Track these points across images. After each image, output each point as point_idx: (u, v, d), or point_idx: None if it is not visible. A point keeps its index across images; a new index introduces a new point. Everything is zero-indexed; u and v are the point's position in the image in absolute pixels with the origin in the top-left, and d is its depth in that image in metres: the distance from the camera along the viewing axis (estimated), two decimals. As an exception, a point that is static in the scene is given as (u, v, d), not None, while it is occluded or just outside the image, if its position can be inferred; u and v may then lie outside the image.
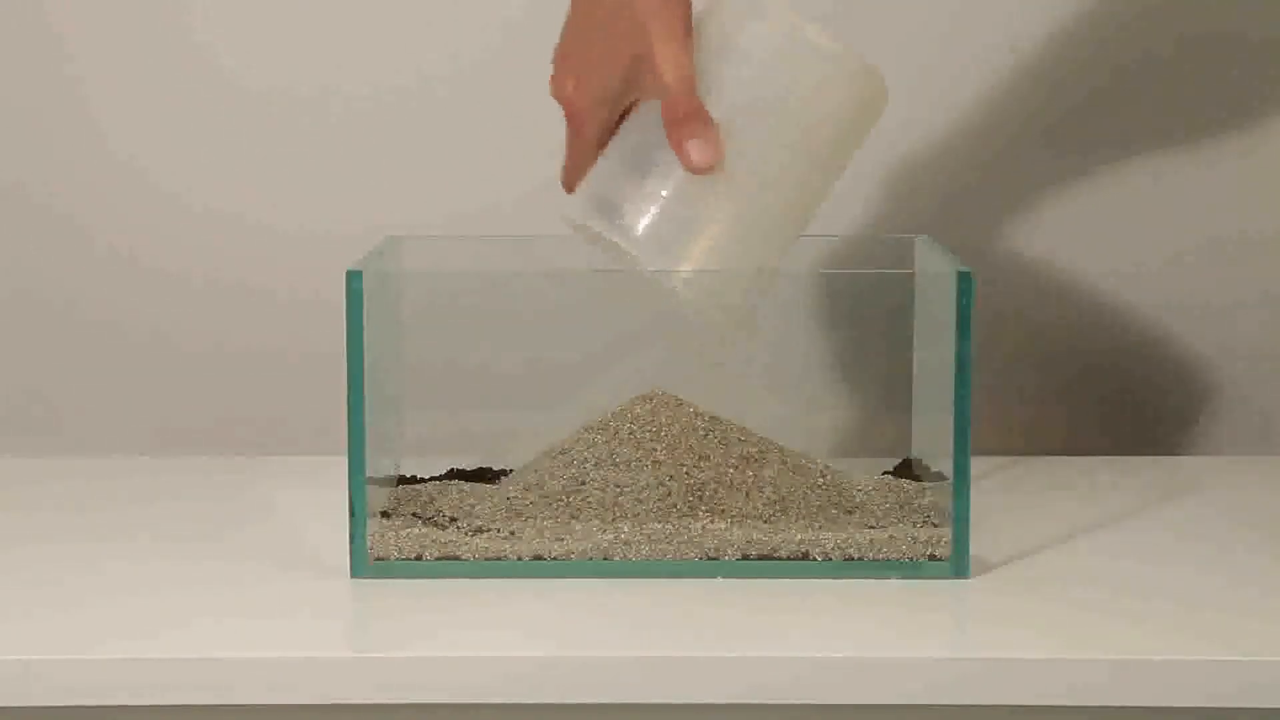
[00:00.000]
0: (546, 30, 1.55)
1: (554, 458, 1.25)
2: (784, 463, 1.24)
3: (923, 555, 1.15)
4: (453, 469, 1.26)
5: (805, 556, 1.15)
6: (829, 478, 1.21)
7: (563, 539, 1.15)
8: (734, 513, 1.16)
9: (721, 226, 1.12)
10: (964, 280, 1.13)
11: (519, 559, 1.15)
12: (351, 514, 1.15)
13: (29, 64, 1.53)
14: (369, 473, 1.16)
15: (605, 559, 1.15)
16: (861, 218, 1.51)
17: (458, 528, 1.17)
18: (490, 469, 1.25)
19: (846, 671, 1.04)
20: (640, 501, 1.17)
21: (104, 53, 1.53)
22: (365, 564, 1.15)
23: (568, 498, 1.18)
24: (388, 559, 1.15)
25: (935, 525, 1.16)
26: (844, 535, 1.15)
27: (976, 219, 1.54)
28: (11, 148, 1.54)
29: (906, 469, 1.27)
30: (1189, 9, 1.52)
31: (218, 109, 1.53)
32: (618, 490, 1.19)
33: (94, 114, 1.54)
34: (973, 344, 1.13)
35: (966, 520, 1.14)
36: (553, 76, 1.17)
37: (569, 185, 1.18)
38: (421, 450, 1.28)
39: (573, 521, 1.15)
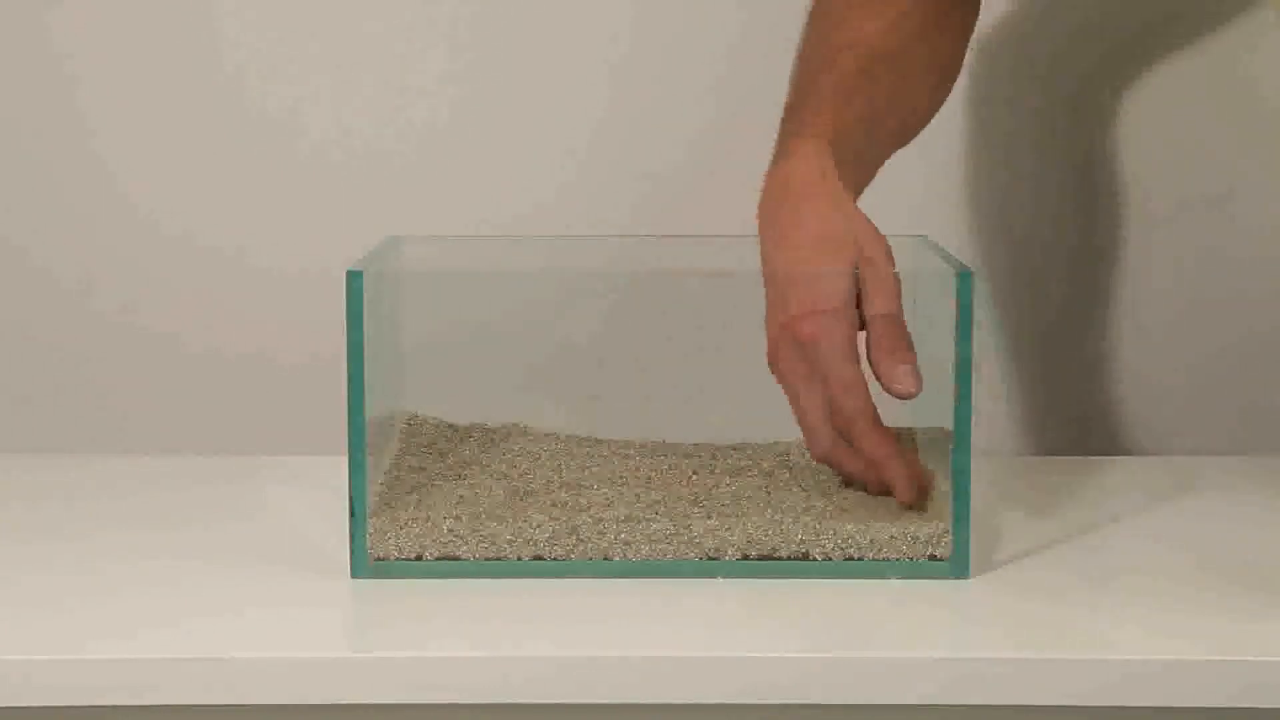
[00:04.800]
0: (545, 34, 1.56)
1: (554, 458, 1.25)
2: (784, 462, 1.24)
3: (923, 555, 1.15)
4: (453, 469, 1.26)
5: (805, 556, 1.15)
6: (829, 477, 1.21)
7: (563, 539, 1.15)
8: (734, 513, 1.16)
9: None
10: (964, 280, 1.13)
11: (519, 559, 1.15)
12: (351, 514, 1.15)
13: (34, 75, 1.53)
14: (369, 472, 1.16)
15: (605, 559, 1.15)
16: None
17: (458, 527, 1.16)
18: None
19: (846, 671, 1.04)
20: (640, 501, 1.17)
21: (109, 52, 1.53)
22: (365, 564, 1.15)
23: (568, 498, 1.18)
24: (388, 559, 1.15)
25: (935, 525, 1.16)
26: (844, 535, 1.15)
27: (976, 219, 1.54)
28: (13, 146, 1.54)
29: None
30: (1190, 9, 1.52)
31: (220, 110, 1.53)
32: (617, 490, 1.19)
33: (94, 111, 1.54)
34: (973, 344, 1.13)
35: (966, 520, 1.14)
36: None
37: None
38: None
39: (573, 521, 1.15)
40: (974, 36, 1.48)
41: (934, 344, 1.19)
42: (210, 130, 1.53)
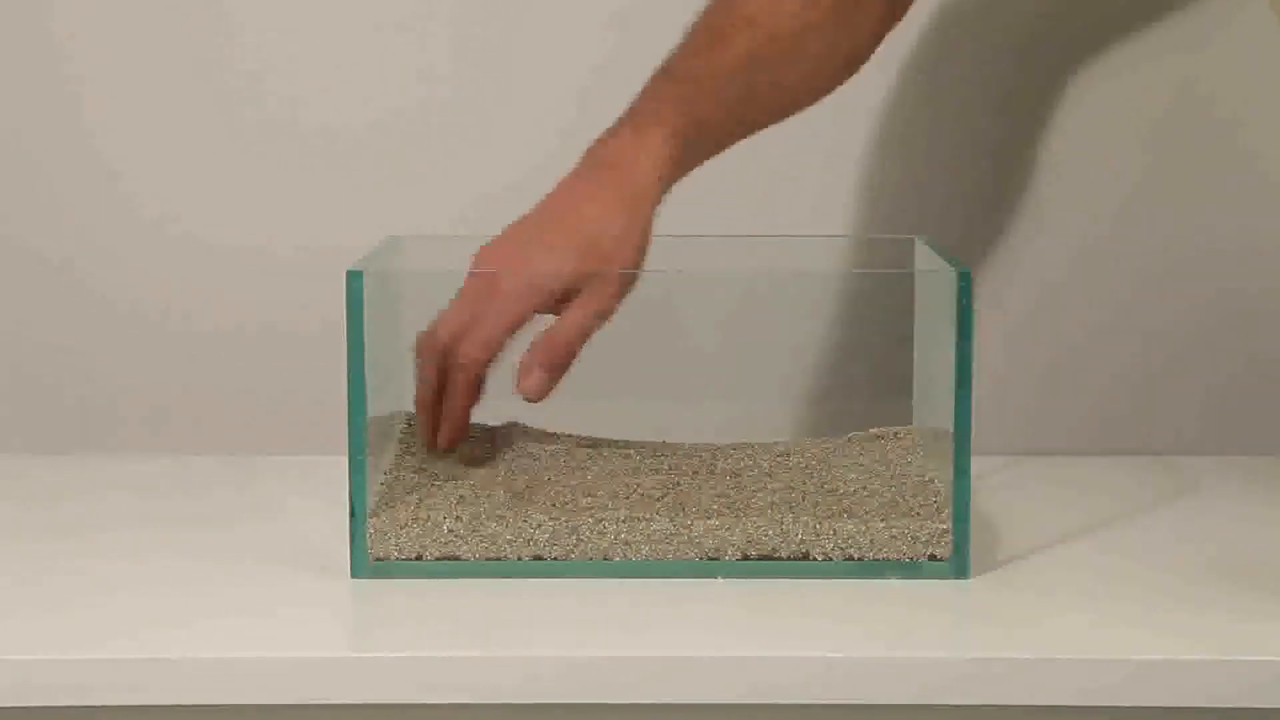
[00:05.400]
0: (547, 33, 1.56)
1: (554, 458, 1.25)
2: (784, 463, 1.25)
3: (923, 555, 1.15)
4: (453, 469, 1.26)
5: (805, 556, 1.15)
6: (828, 477, 1.21)
7: (563, 539, 1.15)
8: (734, 513, 1.16)
9: None
10: (964, 280, 1.13)
11: (519, 559, 1.15)
12: (351, 514, 1.15)
13: (32, 70, 1.53)
14: (369, 472, 1.16)
15: (605, 559, 1.15)
16: (861, 218, 1.51)
17: (458, 527, 1.16)
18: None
19: (846, 671, 1.04)
20: (640, 501, 1.17)
21: (110, 50, 1.53)
22: (365, 564, 1.15)
23: (568, 498, 1.18)
24: (388, 559, 1.15)
25: (935, 525, 1.16)
26: (844, 535, 1.15)
27: (976, 219, 1.54)
28: (13, 145, 1.54)
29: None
30: (1192, 10, 1.52)
31: (220, 110, 1.53)
32: (617, 490, 1.19)
33: (95, 110, 1.54)
34: (973, 344, 1.13)
35: (966, 520, 1.14)
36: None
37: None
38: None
39: (573, 521, 1.15)
40: (967, 33, 1.48)
41: (934, 344, 1.19)
42: (210, 130, 1.53)
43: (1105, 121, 1.53)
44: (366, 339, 1.14)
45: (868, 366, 1.37)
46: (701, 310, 1.30)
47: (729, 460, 1.26)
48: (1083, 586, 1.15)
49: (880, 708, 1.05)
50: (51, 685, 1.03)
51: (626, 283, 1.18)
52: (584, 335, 1.17)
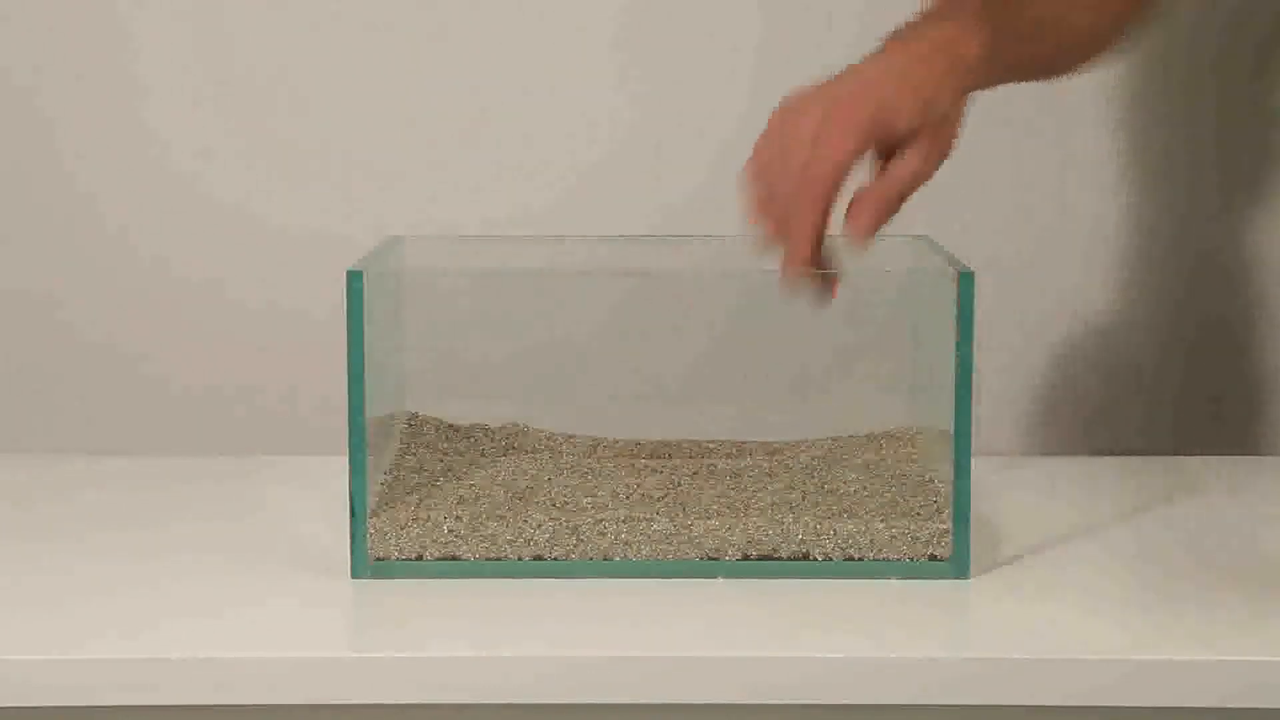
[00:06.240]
0: (548, 32, 1.55)
1: (555, 457, 1.25)
2: (784, 463, 1.24)
3: (923, 555, 1.15)
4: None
5: (805, 556, 1.15)
6: (828, 477, 1.21)
7: (563, 539, 1.15)
8: (734, 513, 1.16)
9: None
10: (964, 280, 1.13)
11: (519, 559, 1.15)
12: (351, 514, 1.15)
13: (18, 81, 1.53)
14: (369, 472, 1.16)
15: (605, 559, 1.15)
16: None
17: (458, 527, 1.16)
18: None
19: (846, 671, 1.04)
20: (640, 501, 1.18)
21: (104, 52, 1.53)
22: (365, 564, 1.15)
23: (568, 498, 1.18)
24: (388, 559, 1.15)
25: (935, 525, 1.16)
26: (844, 535, 1.15)
27: (976, 219, 1.54)
28: (16, 143, 1.54)
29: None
30: (1194, 13, 1.52)
31: (221, 109, 1.53)
32: (617, 490, 1.19)
33: (96, 113, 1.54)
34: (973, 344, 1.13)
35: (966, 520, 1.14)
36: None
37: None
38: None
39: (573, 521, 1.15)
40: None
41: (934, 344, 1.19)
42: (212, 129, 1.53)
43: (1105, 122, 1.53)
44: (366, 339, 1.14)
45: (868, 366, 1.37)
46: (701, 310, 1.30)
47: (729, 460, 1.26)
48: (1083, 586, 1.15)
49: (880, 708, 1.05)
50: (51, 685, 1.03)
51: (951, 148, 1.13)
52: (916, 184, 1.12)
